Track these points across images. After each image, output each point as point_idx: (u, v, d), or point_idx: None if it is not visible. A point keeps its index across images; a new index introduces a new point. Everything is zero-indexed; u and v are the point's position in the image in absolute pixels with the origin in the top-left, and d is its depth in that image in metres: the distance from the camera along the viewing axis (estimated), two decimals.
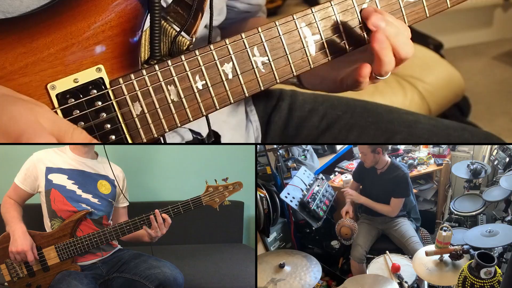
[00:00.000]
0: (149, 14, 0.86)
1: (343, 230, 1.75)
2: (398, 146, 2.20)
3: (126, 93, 0.86)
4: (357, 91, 0.98)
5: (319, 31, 0.91)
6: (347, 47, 0.94)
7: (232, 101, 0.90)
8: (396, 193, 1.78)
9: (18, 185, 1.30)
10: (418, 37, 2.97)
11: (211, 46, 0.87)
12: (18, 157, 1.36)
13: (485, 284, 1.15)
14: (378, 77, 0.94)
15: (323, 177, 1.88)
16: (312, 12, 0.90)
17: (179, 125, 0.89)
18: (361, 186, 1.89)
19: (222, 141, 1.15)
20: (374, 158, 1.77)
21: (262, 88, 0.90)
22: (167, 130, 0.88)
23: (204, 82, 0.88)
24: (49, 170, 1.29)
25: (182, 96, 0.87)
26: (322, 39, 0.91)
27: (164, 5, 0.94)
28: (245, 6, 1.21)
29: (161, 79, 0.86)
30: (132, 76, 0.85)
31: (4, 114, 0.75)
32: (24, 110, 0.76)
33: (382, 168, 1.79)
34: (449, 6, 0.96)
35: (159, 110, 0.87)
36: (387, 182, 1.78)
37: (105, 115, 0.85)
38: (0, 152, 1.75)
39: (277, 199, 1.68)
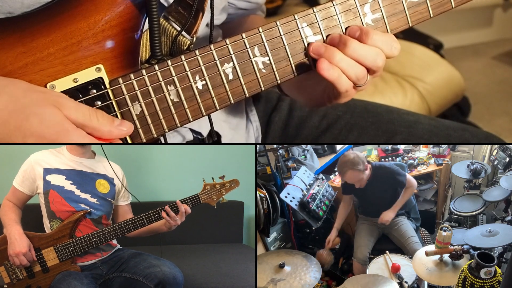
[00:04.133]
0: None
1: (319, 258, 1.69)
2: (398, 146, 2.19)
3: (125, 93, 0.85)
4: (340, 102, 0.96)
5: (320, 31, 0.90)
6: None
7: (232, 101, 0.89)
8: (399, 185, 1.77)
9: (16, 187, 1.30)
10: (418, 37, 2.97)
11: (211, 46, 0.87)
12: (18, 157, 1.36)
13: (485, 284, 1.15)
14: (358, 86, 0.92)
15: (323, 177, 1.88)
16: (314, 12, 0.89)
17: (178, 125, 0.88)
18: (353, 197, 1.87)
19: (222, 141, 1.15)
20: (363, 174, 1.72)
21: (263, 89, 0.90)
22: (166, 130, 0.88)
23: (204, 82, 0.87)
24: (47, 171, 1.29)
25: (182, 96, 0.87)
26: (323, 39, 0.91)
27: (166, 4, 0.94)
28: (244, 4, 1.21)
29: (161, 79, 0.86)
30: (132, 76, 0.85)
31: (35, 118, 0.76)
32: (49, 110, 0.77)
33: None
34: (453, 6, 0.95)
35: (158, 110, 0.87)
36: (380, 182, 1.76)
37: None
38: (0, 152, 1.75)
39: (277, 199, 1.68)
